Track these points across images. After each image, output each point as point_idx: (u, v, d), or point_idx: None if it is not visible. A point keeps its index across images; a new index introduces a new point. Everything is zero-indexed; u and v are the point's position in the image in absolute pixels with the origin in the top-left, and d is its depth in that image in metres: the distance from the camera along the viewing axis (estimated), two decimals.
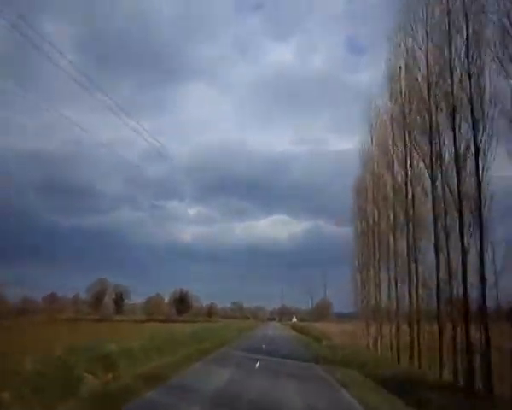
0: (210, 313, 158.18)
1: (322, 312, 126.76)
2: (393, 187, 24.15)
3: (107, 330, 39.97)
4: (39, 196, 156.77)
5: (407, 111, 20.96)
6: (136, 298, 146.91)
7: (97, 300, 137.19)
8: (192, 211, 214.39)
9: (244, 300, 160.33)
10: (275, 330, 76.57)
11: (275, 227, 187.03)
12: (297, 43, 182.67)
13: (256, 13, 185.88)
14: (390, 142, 24.66)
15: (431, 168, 18.14)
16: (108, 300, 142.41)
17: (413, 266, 21.52)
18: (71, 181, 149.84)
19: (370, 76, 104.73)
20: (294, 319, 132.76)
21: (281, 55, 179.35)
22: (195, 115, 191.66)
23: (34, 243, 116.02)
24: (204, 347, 25.85)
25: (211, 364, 18.75)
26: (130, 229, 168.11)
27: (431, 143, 17.96)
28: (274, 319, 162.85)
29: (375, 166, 28.33)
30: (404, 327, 23.99)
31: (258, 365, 19.25)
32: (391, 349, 25.13)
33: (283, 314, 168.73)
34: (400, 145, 22.34)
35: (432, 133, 17.90)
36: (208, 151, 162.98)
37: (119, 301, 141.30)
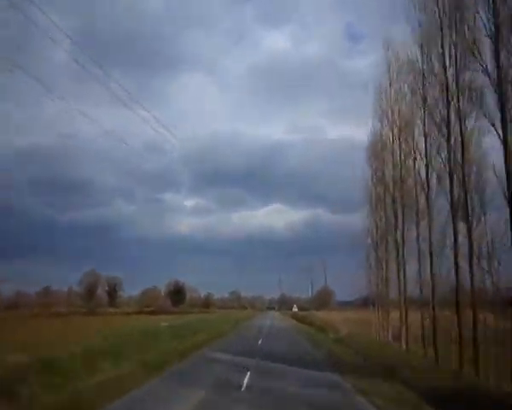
0: (207, 303, 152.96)
1: (323, 300, 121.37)
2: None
3: (80, 324, 34.53)
4: (34, 190, 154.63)
5: None
6: (132, 290, 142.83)
7: (89, 292, 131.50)
8: (188, 202, 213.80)
9: (242, 290, 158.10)
10: (273, 320, 71.18)
11: (272, 216, 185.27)
12: (292, 31, 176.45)
13: (251, 0, 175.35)
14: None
15: None
16: (102, 292, 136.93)
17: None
18: (66, 175, 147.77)
19: (367, 63, 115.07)
20: (295, 309, 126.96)
21: (276, 42, 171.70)
22: (190, 106, 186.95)
23: (31, 238, 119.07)
24: (182, 347, 19.96)
25: (173, 381, 12.65)
26: (127, 222, 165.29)
27: None
28: (273, 309, 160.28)
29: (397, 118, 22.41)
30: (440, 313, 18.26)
31: (247, 380, 12.78)
32: (423, 343, 19.44)
33: (283, 303, 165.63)
34: None
35: None
36: (203, 142, 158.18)
37: (112, 293, 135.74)
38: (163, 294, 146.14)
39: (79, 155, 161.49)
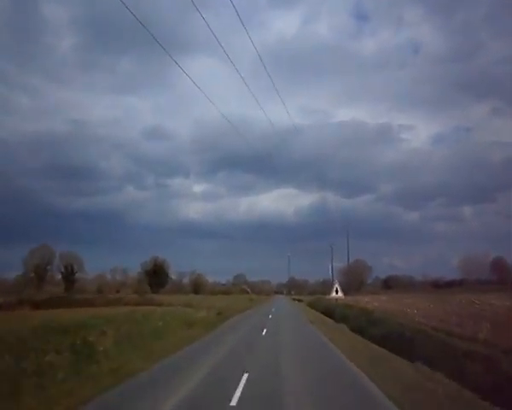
0: (196, 288, 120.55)
1: (353, 282, 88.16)
2: None
3: None
4: (42, 177, 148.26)
5: None
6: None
7: (37, 275, 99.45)
8: (197, 188, 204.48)
9: (248, 274, 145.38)
10: (284, 317, 37.75)
11: (281, 200, 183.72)
12: (301, 12, 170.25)
13: None
14: None
15: None
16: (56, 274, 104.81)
17: None
18: (74, 162, 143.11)
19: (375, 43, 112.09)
20: (338, 293, 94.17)
21: (284, 24, 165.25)
22: (197, 90, 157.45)
23: (37, 226, 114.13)
24: None
25: None
26: (135, 208, 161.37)
27: None
28: (282, 293, 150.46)
29: None
30: None
31: None
32: None
33: (292, 287, 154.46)
34: None
35: None
36: (211, 126, 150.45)
37: (69, 275, 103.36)
38: (137, 275, 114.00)
39: (88, 141, 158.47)
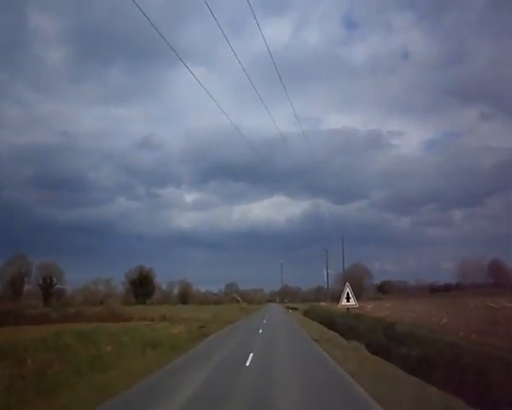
0: (185, 297, 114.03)
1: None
2: None
3: None
4: (32, 189, 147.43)
5: None
6: None
7: (13, 288, 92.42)
8: (189, 197, 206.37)
9: (241, 282, 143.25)
10: (277, 331, 31.59)
11: (273, 209, 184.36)
12: (291, 20, 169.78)
13: None
14: None
15: None
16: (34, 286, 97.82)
17: None
18: (64, 173, 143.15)
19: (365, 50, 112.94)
20: (349, 301, 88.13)
21: (275, 32, 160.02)
22: (188, 99, 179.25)
23: (26, 238, 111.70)
24: None
25: None
26: (126, 218, 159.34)
27: None
28: (274, 301, 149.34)
29: None
30: None
31: None
32: None
33: (285, 295, 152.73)
34: None
35: None
36: (202, 135, 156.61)
37: (47, 287, 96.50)
38: (121, 285, 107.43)
39: (77, 152, 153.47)
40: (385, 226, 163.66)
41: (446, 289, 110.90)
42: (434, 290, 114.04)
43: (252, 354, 16.01)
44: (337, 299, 76.14)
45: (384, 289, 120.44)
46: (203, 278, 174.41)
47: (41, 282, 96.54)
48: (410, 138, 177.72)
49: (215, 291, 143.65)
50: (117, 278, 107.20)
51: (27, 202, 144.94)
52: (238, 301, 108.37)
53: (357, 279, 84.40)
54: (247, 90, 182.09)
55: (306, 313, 52.01)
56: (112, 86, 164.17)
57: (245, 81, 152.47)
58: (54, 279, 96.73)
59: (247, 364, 14.29)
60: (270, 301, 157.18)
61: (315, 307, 51.41)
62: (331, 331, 25.83)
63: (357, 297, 66.26)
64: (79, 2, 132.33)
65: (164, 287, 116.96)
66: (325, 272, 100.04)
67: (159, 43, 77.49)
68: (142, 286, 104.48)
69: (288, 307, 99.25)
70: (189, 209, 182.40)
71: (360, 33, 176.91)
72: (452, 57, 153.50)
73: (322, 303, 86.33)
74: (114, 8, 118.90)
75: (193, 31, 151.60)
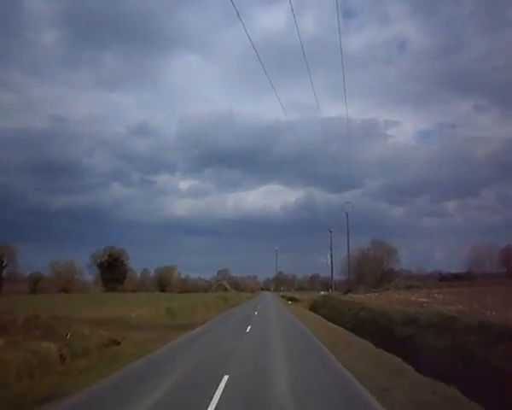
0: (163, 283, 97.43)
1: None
2: None
3: None
4: (26, 175, 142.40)
5: None
6: None
7: None
8: (183, 184, 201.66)
9: (235, 269, 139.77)
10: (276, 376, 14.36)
11: (268, 197, 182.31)
12: (287, 7, 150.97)
13: None
14: None
15: None
16: None
17: None
18: (58, 159, 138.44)
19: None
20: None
21: (270, 20, 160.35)
22: (182, 86, 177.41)
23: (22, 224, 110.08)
24: None
25: None
26: (121, 205, 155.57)
27: None
28: (269, 289, 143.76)
29: None
30: None
31: None
32: None
33: (279, 283, 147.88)
34: None
35: None
36: (197, 122, 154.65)
37: None
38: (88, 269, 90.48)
39: (70, 137, 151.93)
40: (380, 215, 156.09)
41: (457, 278, 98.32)
42: (443, 279, 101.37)
43: None
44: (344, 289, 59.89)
45: (388, 278, 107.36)
46: (197, 265, 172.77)
47: None
48: (406, 128, 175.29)
49: (207, 278, 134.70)
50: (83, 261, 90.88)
51: (19, 188, 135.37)
52: (226, 289, 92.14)
53: (375, 263, 67.66)
54: (242, 77, 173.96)
55: (316, 309, 35.49)
56: (106, 71, 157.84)
57: (240, 68, 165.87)
58: (4, 260, 79.74)
59: None
60: (263, 289, 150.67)
61: (330, 300, 34.71)
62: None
63: (379, 285, 49.67)
64: None
65: (152, 274, 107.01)
66: (328, 256, 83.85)
67: (154, 28, 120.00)
68: (111, 270, 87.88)
69: (284, 298, 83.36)
70: (184, 196, 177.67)
71: (357, 23, 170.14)
72: (448, 48, 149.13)
73: (322, 293, 70.77)
74: None
75: (189, 18, 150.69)
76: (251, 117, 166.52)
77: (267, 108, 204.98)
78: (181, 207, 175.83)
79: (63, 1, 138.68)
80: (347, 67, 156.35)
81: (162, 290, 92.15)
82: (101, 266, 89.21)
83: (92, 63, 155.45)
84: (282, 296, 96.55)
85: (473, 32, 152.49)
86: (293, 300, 60.88)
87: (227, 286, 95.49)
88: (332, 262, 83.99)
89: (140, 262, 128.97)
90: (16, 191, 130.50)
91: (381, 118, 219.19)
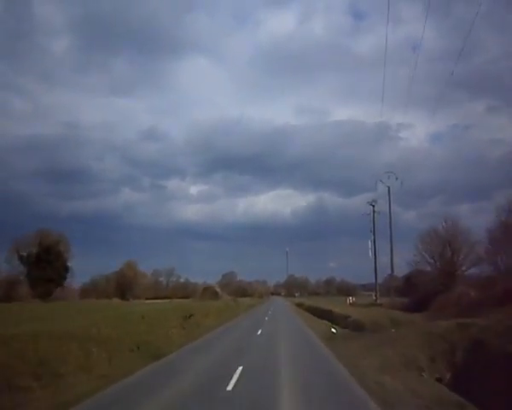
0: (124, 288, 66.52)
1: None
2: None
3: None
4: (38, 180, 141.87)
5: None
6: None
7: None
8: (194, 189, 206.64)
9: (245, 274, 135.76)
10: None
11: (278, 201, 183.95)
12: (296, 10, 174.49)
13: None
14: None
15: None
16: None
17: None
18: (69, 164, 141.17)
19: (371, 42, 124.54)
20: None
21: (280, 23, 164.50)
22: (192, 90, 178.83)
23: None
24: None
25: None
26: (131, 209, 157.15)
27: None
28: (279, 294, 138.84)
29: None
30: None
31: None
32: None
33: (290, 287, 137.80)
34: None
35: None
36: (207, 127, 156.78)
37: None
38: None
39: (82, 144, 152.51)
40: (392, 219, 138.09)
41: None
42: None
43: None
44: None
45: (412, 281, 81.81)
46: (205, 269, 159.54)
47: None
48: (418, 131, 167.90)
49: (213, 283, 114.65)
50: None
51: (29, 193, 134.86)
52: (217, 294, 61.45)
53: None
54: (251, 81, 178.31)
55: None
56: (117, 77, 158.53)
57: (250, 72, 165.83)
58: None
59: None
60: (274, 293, 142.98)
61: None
62: None
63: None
64: None
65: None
66: (370, 243, 54.68)
67: (163, 33, 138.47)
68: (40, 266, 57.80)
69: (302, 307, 52.88)
70: (193, 201, 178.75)
71: (367, 24, 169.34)
72: (460, 49, 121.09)
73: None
74: None
75: (199, 22, 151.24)
76: (260, 121, 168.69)
77: (277, 112, 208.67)
78: (190, 212, 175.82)
79: (74, 7, 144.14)
80: (358, 69, 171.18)
81: (123, 296, 61.98)
82: (26, 260, 59.15)
83: (102, 69, 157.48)
84: (299, 305, 66.08)
85: (487, 32, 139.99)
86: (326, 318, 30.36)
87: (218, 290, 64.52)
88: (376, 252, 53.77)
89: (149, 267, 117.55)
90: (27, 197, 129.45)
91: (394, 120, 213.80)
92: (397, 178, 47.12)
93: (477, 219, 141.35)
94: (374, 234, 52.25)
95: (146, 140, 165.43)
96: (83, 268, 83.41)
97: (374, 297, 53.44)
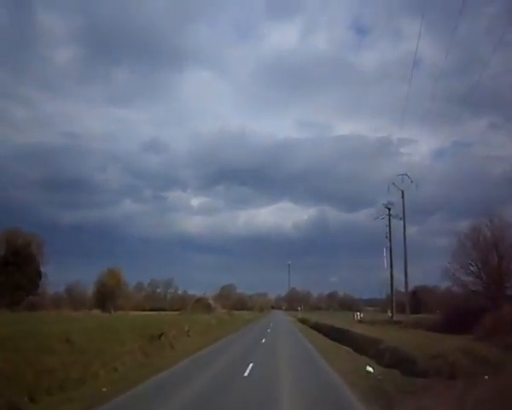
0: (103, 297, 58.37)
1: None
2: None
3: None
4: (39, 190, 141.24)
5: None
6: None
7: None
8: (195, 201, 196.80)
9: (245, 288, 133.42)
10: None
11: (280, 214, 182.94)
12: (299, 24, 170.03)
13: None
14: None
15: None
16: None
17: None
18: (70, 175, 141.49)
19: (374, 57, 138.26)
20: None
21: (282, 36, 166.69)
22: (194, 102, 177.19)
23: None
24: None
25: None
26: (131, 220, 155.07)
27: None
28: (280, 308, 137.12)
29: None
30: None
31: None
32: None
33: (292, 301, 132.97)
34: None
35: None
36: (209, 139, 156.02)
37: None
38: None
39: (83, 154, 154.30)
40: (393, 235, 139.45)
41: None
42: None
43: None
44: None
45: (418, 297, 76.23)
46: (204, 282, 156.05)
47: None
48: (419, 147, 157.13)
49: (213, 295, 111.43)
50: None
51: (30, 203, 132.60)
52: (210, 307, 53.60)
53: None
54: (253, 94, 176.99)
55: None
56: (118, 87, 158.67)
57: (252, 85, 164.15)
58: None
59: None
60: (275, 307, 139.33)
61: None
62: None
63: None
64: (87, 2, 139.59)
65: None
66: (385, 252, 47.44)
67: (165, 44, 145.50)
68: (7, 271, 50.01)
69: (307, 324, 45.29)
70: (194, 213, 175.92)
71: (370, 40, 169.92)
72: (463, 66, 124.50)
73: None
74: (121, 9, 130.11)
75: (201, 34, 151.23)
76: (262, 134, 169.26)
77: (279, 126, 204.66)
78: (191, 224, 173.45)
79: (76, 18, 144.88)
80: (360, 85, 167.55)
81: (102, 308, 54.23)
82: None
83: (104, 79, 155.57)
84: (303, 321, 58.18)
85: (489, 49, 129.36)
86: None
87: (211, 302, 56.61)
88: (391, 260, 46.57)
89: (147, 277, 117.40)
90: (27, 206, 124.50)
91: (395, 136, 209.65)
92: (412, 181, 42.13)
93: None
94: (390, 241, 44.80)
95: (147, 151, 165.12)
96: (83, 278, 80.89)
97: (389, 314, 45.89)
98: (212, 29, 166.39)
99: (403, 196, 40.99)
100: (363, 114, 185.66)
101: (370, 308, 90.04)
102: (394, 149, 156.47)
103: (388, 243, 45.08)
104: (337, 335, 26.95)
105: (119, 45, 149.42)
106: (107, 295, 56.25)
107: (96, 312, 52.21)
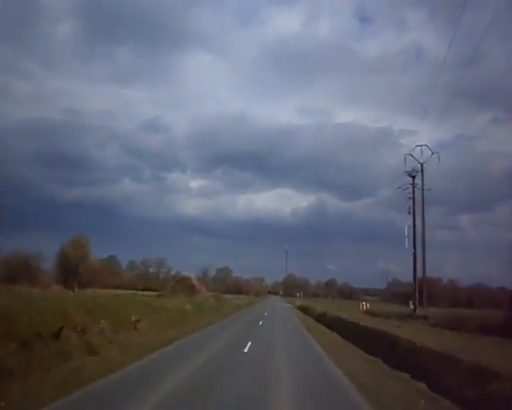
0: (66, 270, 49.35)
1: None
2: None
3: None
4: (39, 166, 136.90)
5: None
6: None
7: None
8: (194, 183, 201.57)
9: (242, 271, 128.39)
10: None
11: (279, 200, 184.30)
12: (302, 10, 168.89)
13: None
14: None
15: None
16: None
17: None
18: (70, 151, 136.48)
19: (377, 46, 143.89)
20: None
21: (285, 22, 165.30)
22: (195, 84, 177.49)
23: (33, 216, 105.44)
24: None
25: None
26: (130, 201, 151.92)
27: None
28: (277, 294, 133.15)
29: None
30: None
31: None
32: None
33: (289, 287, 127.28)
34: None
35: None
36: (209, 122, 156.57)
37: None
38: None
39: (84, 131, 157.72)
40: (391, 226, 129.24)
41: None
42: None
43: None
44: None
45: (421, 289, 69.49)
46: (202, 265, 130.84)
47: None
48: (420, 138, 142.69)
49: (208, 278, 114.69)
50: None
51: (30, 178, 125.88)
52: (194, 288, 44.67)
53: None
54: (255, 78, 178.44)
55: None
56: (120, 66, 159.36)
57: (254, 70, 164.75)
58: None
59: None
60: (271, 292, 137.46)
61: None
62: None
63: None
64: None
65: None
66: (407, 229, 38.80)
67: (168, 26, 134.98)
68: None
69: (313, 317, 36.87)
70: (193, 195, 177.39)
71: (373, 29, 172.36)
72: (467, 58, 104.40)
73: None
74: None
75: (204, 17, 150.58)
76: (263, 119, 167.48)
77: (280, 111, 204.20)
78: (189, 206, 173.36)
79: None
80: (363, 73, 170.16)
81: (65, 284, 45.27)
82: None
83: (106, 58, 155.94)
84: (303, 309, 49.33)
85: (493, 42, 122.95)
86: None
87: (195, 284, 47.44)
88: (414, 239, 38.03)
89: (141, 256, 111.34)
90: (27, 181, 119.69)
91: (395, 126, 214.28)
92: (432, 153, 36.74)
93: (477, 230, 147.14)
94: (413, 215, 37.00)
95: (147, 130, 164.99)
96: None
97: (411, 306, 37.57)
98: (215, 13, 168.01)
99: (422, 170, 36.05)
100: (365, 102, 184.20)
101: (369, 298, 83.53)
102: (395, 140, 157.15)
103: (412, 220, 36.66)
104: (354, 333, 17.64)
105: (122, 25, 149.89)
106: (70, 269, 47.08)
107: (56, 288, 43.54)
